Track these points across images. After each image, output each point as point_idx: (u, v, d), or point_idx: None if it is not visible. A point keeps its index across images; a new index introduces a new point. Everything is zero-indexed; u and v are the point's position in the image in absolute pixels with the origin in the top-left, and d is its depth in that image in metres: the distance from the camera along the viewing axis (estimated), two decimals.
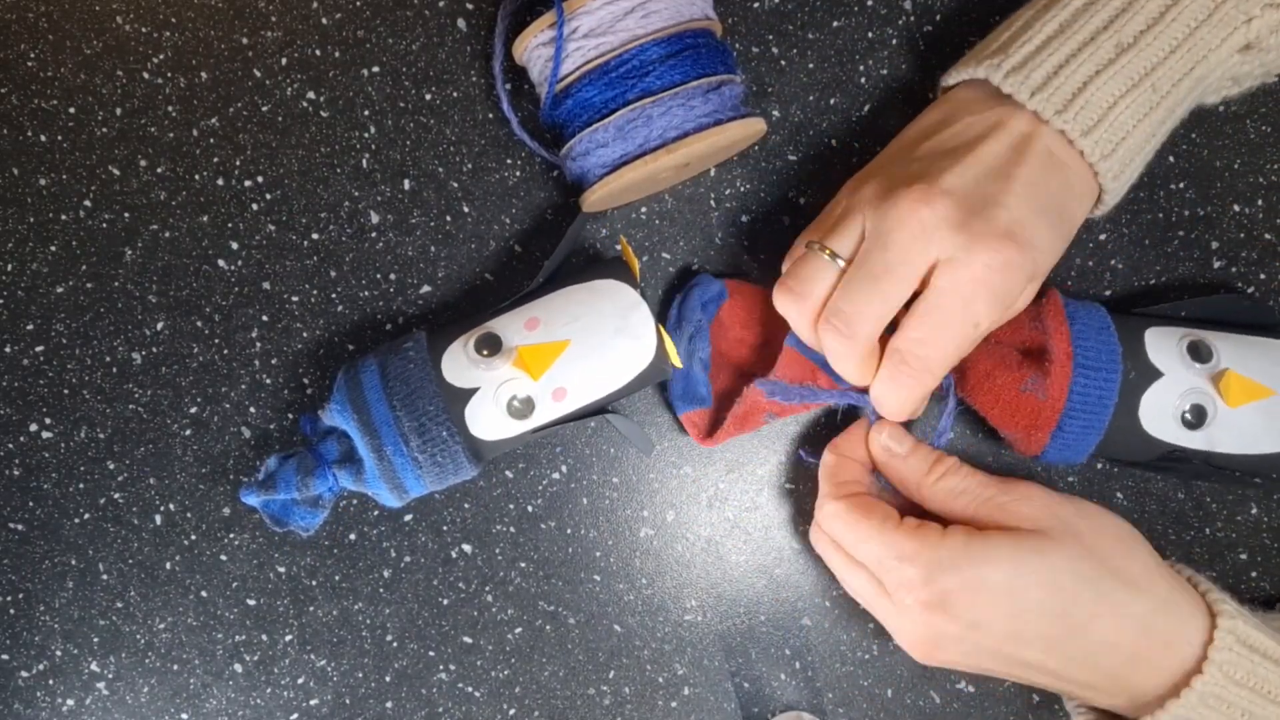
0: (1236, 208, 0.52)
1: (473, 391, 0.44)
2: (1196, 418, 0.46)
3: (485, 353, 0.44)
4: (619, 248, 0.51)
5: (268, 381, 0.52)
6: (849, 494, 0.46)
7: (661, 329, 0.46)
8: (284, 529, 0.46)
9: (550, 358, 0.45)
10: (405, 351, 0.45)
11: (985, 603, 0.41)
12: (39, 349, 0.52)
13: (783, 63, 0.51)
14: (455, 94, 0.51)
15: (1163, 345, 0.46)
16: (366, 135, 0.51)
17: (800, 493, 0.52)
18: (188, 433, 0.52)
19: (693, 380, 0.49)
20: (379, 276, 0.52)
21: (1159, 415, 0.46)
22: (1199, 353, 0.46)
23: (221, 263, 0.51)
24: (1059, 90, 0.41)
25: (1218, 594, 0.44)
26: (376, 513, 0.52)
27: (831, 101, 0.51)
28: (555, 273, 0.49)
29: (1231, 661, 0.41)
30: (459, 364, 0.45)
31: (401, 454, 0.44)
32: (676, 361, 0.47)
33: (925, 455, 0.46)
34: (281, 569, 0.52)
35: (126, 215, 0.51)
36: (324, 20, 0.51)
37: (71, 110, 0.51)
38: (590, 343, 0.45)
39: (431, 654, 0.52)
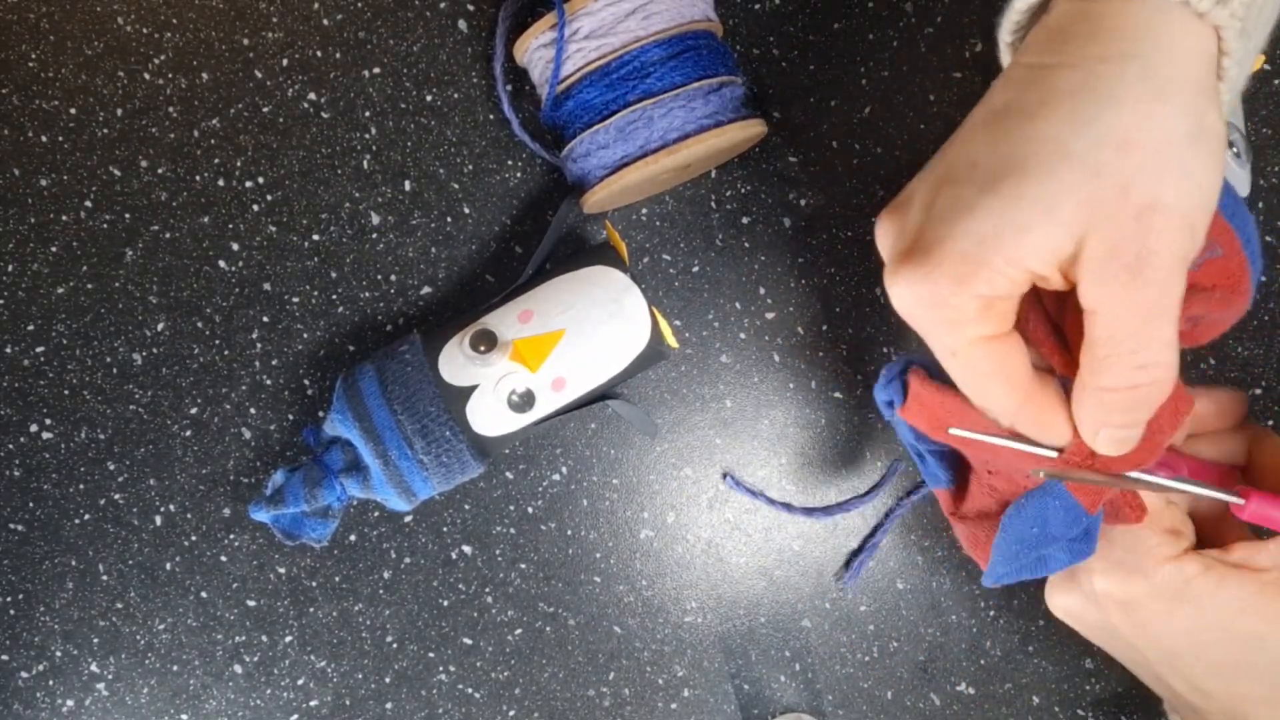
0: None
1: (472, 389, 0.44)
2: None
3: (482, 349, 0.44)
4: (605, 233, 0.51)
5: (268, 383, 0.52)
6: None
7: (655, 311, 0.46)
8: (296, 542, 0.46)
9: (547, 349, 0.45)
10: (401, 354, 0.45)
11: (1175, 630, 0.35)
12: (39, 350, 0.52)
13: (783, 64, 0.51)
14: (456, 95, 0.51)
15: None
16: (367, 136, 0.51)
17: (801, 493, 0.52)
18: (188, 434, 0.52)
19: (928, 465, 0.40)
20: (380, 278, 0.52)
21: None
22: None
23: (222, 263, 0.52)
24: None
25: None
26: (377, 514, 0.52)
27: (832, 104, 0.51)
28: (544, 263, 0.49)
29: None
30: (456, 362, 0.45)
31: (407, 458, 0.44)
32: (672, 342, 0.47)
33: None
34: (281, 570, 0.52)
35: (127, 216, 0.51)
36: (325, 21, 0.51)
37: (72, 111, 0.51)
38: (585, 330, 0.45)
39: (431, 655, 0.52)
